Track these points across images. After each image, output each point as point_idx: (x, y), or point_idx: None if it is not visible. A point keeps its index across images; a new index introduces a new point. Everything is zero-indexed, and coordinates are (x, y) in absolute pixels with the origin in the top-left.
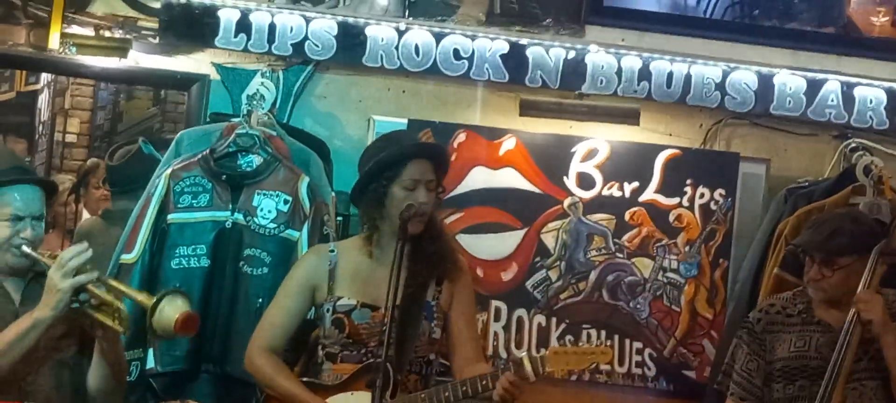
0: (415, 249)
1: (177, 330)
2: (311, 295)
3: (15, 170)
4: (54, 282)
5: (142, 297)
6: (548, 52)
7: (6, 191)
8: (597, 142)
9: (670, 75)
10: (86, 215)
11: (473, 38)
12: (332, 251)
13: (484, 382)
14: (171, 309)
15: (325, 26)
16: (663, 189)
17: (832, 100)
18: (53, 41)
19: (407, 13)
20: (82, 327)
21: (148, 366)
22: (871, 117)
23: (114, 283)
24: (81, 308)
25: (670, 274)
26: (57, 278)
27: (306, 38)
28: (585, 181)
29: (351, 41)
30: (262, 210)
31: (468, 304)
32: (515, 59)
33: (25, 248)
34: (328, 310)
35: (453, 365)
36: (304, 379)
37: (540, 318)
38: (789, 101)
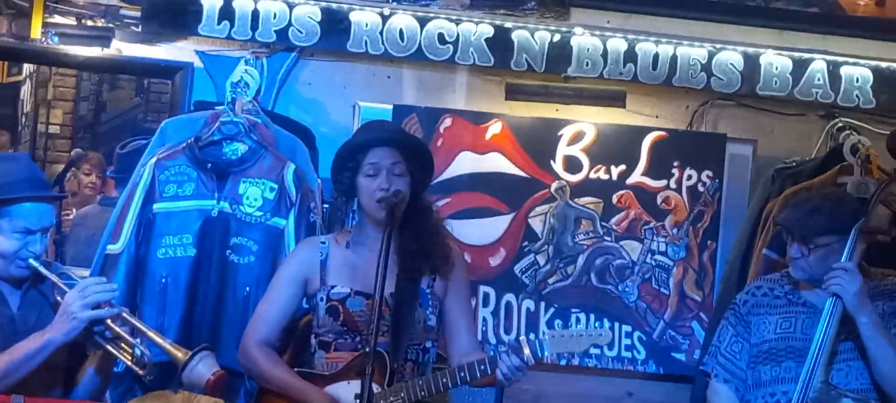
0: (406, 239)
1: (207, 390)
2: (303, 286)
3: (31, 185)
4: (72, 310)
5: (175, 351)
6: (533, 35)
7: (21, 205)
8: (583, 125)
9: (656, 57)
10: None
11: (458, 22)
12: (324, 242)
13: (482, 367)
14: (204, 368)
15: (308, 12)
16: (650, 171)
17: (818, 80)
18: (35, 31)
19: None
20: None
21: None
22: (857, 96)
23: (140, 325)
24: (93, 337)
25: (658, 257)
26: (76, 306)
27: (290, 24)
28: (572, 164)
29: (335, 27)
30: (248, 198)
31: (463, 294)
32: (500, 43)
33: (33, 262)
34: (322, 299)
35: (449, 354)
36: (298, 370)
37: (529, 303)
38: (775, 81)
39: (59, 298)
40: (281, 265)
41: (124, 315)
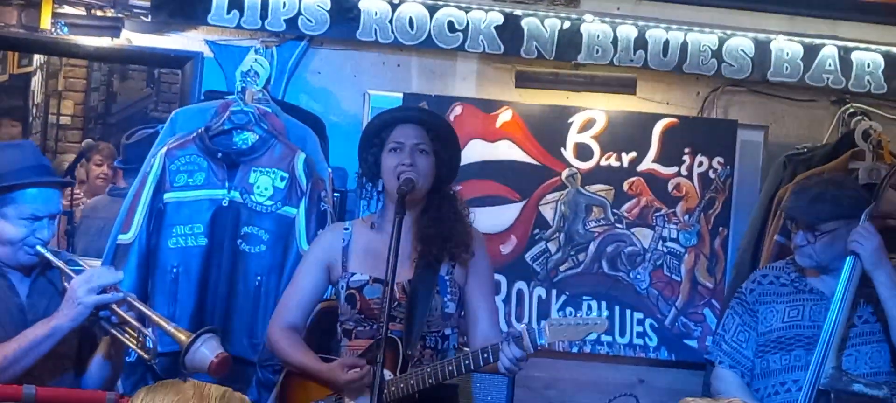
0: (426, 224)
1: (210, 372)
2: (326, 272)
3: (35, 171)
4: (78, 295)
5: (178, 333)
6: (543, 22)
7: (26, 192)
8: (594, 112)
9: (666, 43)
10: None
11: (467, 10)
12: (347, 228)
13: (485, 355)
14: (207, 350)
15: (317, 1)
16: (661, 158)
17: (829, 66)
18: (45, 21)
19: None
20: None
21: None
22: (868, 81)
23: (146, 310)
24: (100, 322)
25: (670, 244)
26: (81, 292)
27: (299, 13)
28: (583, 152)
29: (344, 15)
30: (258, 187)
31: (484, 281)
32: (510, 31)
33: (40, 249)
34: (343, 287)
35: (469, 341)
36: (323, 356)
37: (540, 291)
38: (786, 67)
39: (66, 285)
40: (307, 250)
41: (130, 299)
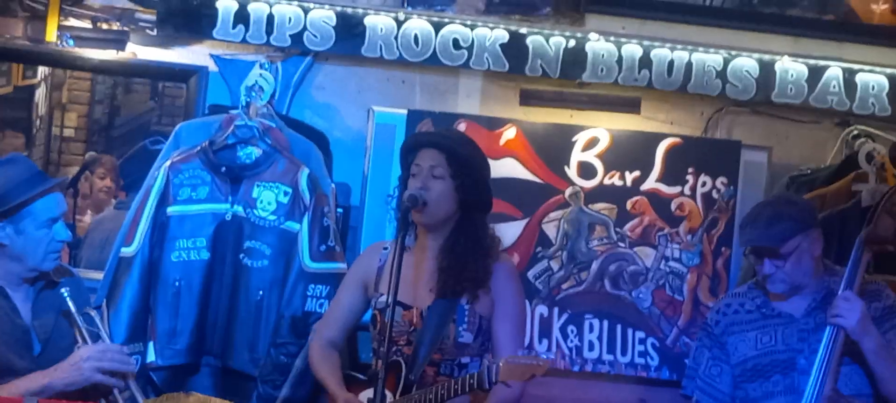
0: (444, 253)
1: None
2: (363, 290)
3: (38, 180)
4: (84, 366)
5: None
6: (548, 40)
7: (36, 203)
8: (598, 131)
9: (671, 63)
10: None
11: (473, 27)
12: (386, 248)
13: (456, 387)
14: None
15: (323, 17)
16: (665, 178)
17: (834, 87)
18: (50, 34)
19: (405, 3)
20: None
21: (148, 360)
22: (873, 104)
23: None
24: (95, 391)
25: (673, 263)
26: (87, 366)
27: (305, 28)
28: (586, 170)
29: (349, 31)
30: (261, 202)
31: (506, 313)
32: (515, 49)
33: (64, 293)
34: (372, 307)
35: None
36: (349, 373)
37: (542, 309)
38: (791, 89)
39: (78, 341)
40: (350, 266)
41: (132, 389)
